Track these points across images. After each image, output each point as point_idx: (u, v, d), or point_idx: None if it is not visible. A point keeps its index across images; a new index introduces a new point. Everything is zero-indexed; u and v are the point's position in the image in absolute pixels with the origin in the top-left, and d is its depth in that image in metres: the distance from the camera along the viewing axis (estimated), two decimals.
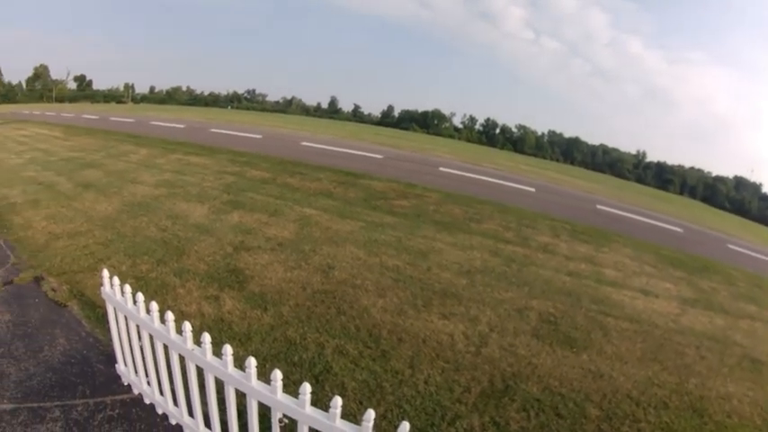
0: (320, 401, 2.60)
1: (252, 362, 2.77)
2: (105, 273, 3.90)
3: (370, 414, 2.31)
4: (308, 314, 5.80)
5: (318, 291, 6.53)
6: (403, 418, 3.92)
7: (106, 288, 3.87)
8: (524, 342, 5.70)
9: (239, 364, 2.94)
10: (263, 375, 2.83)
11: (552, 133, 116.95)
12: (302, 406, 2.55)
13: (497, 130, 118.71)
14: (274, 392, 2.67)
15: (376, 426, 2.34)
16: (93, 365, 4.55)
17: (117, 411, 3.91)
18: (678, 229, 19.52)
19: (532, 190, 20.77)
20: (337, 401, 2.42)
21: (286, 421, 2.77)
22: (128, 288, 3.62)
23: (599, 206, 20.51)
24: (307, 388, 2.52)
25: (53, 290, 6.14)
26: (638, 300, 7.90)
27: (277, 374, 2.64)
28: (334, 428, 2.44)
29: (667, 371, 5.59)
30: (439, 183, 17.39)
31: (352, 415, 3.76)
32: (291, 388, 2.77)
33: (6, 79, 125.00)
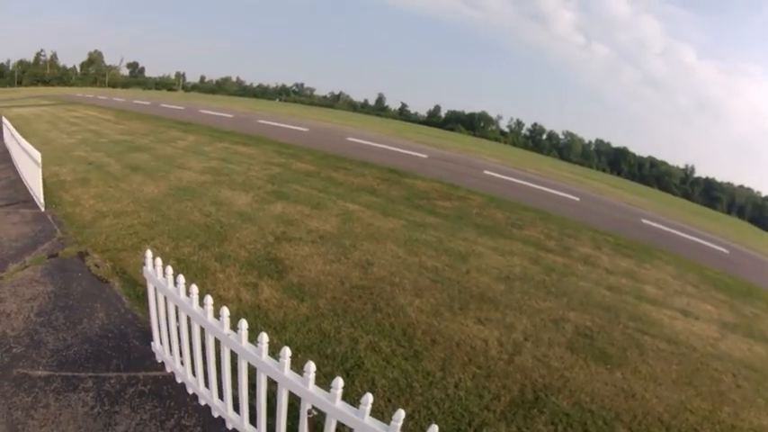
0: (349, 396, 2.60)
1: (287, 352, 2.79)
2: (149, 253, 4.02)
3: (400, 414, 2.30)
4: (344, 308, 5.84)
5: (356, 286, 6.57)
6: (430, 421, 3.90)
7: (148, 268, 3.99)
8: (558, 354, 5.57)
9: (273, 352, 2.99)
10: (295, 365, 2.86)
11: (600, 142, 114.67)
12: (333, 400, 2.56)
13: (544, 136, 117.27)
14: (306, 384, 2.69)
15: (403, 426, 2.33)
16: (129, 341, 4.72)
17: (149, 387, 4.04)
18: (724, 250, 18.69)
19: (577, 199, 20.41)
20: (368, 398, 2.41)
21: (315, 413, 2.79)
22: (169, 269, 3.72)
23: (644, 220, 19.89)
24: (339, 382, 2.53)
25: (96, 265, 6.42)
26: (677, 320, 7.61)
27: (311, 366, 2.66)
28: (363, 425, 2.44)
29: (701, 396, 5.36)
30: (482, 186, 17.28)
31: (379, 412, 3.76)
32: (322, 380, 2.79)
33: (61, 63, 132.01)
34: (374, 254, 7.88)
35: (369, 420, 2.43)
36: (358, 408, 2.46)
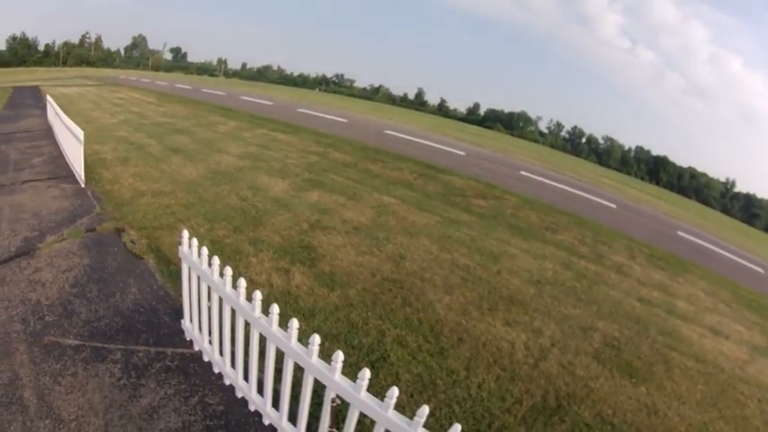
0: (372, 387, 2.58)
1: (316, 339, 2.79)
2: (185, 233, 4.09)
3: (424, 410, 2.28)
4: (373, 300, 5.85)
5: (387, 279, 6.56)
6: (451, 419, 3.89)
7: (184, 247, 4.05)
8: (584, 363, 5.45)
9: (300, 338, 3.00)
10: (321, 353, 2.86)
11: (639, 149, 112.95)
12: (358, 391, 2.55)
13: (583, 140, 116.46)
14: (333, 372, 2.69)
15: (424, 422, 2.30)
16: (159, 317, 4.82)
17: (175, 363, 4.12)
18: (760, 270, 17.91)
19: (613, 206, 20.02)
20: (394, 392, 2.39)
21: (339, 402, 2.79)
22: (204, 250, 3.78)
23: (680, 232, 19.28)
24: (366, 373, 2.53)
25: (132, 242, 6.60)
26: (706, 338, 7.35)
27: (339, 356, 2.65)
28: (386, 418, 2.43)
29: (724, 419, 5.16)
30: (518, 186, 17.16)
31: (401, 407, 3.72)
32: (346, 369, 2.78)
33: (106, 45, 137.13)
34: (407, 248, 7.86)
35: (392, 414, 2.42)
36: (382, 400, 2.45)
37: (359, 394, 2.55)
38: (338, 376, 2.69)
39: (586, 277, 8.48)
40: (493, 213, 11.74)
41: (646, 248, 12.45)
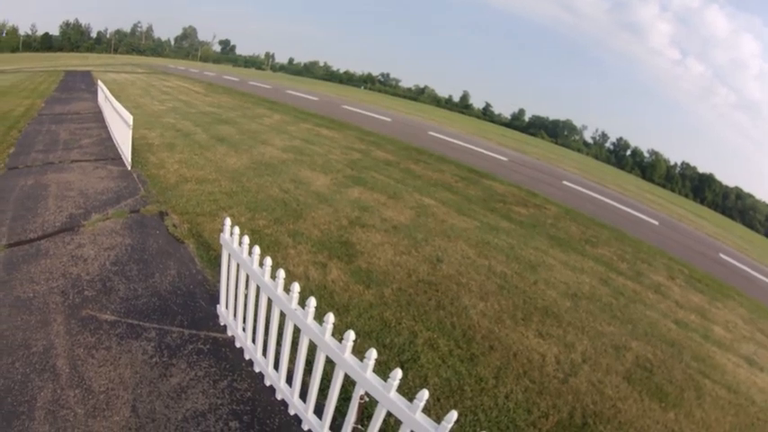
0: (399, 387, 2.55)
1: (350, 335, 2.78)
2: (227, 221, 4.14)
3: (452, 416, 2.23)
4: (408, 300, 5.82)
5: (423, 280, 6.52)
6: (476, 427, 3.82)
7: (225, 235, 4.11)
8: (614, 382, 5.27)
9: (334, 333, 3.00)
10: (353, 349, 2.84)
11: (685, 165, 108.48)
12: (388, 390, 2.53)
13: (628, 152, 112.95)
14: (365, 370, 2.67)
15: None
16: (196, 300, 4.91)
17: (207, 347, 4.18)
18: None
19: (655, 223, 19.43)
20: (424, 395, 2.36)
21: (367, 399, 2.77)
22: (246, 239, 3.82)
23: (722, 255, 18.49)
24: (398, 374, 2.50)
25: (174, 226, 6.76)
26: (741, 368, 7.00)
27: (372, 353, 2.64)
28: (414, 420, 2.39)
29: None
30: (560, 196, 16.97)
31: (426, 409, 3.69)
32: (375, 368, 2.75)
33: (156, 35, 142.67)
34: (445, 251, 7.81)
35: (420, 416, 2.39)
36: (411, 402, 2.43)
37: (388, 393, 2.53)
38: (369, 374, 2.67)
39: (624, 294, 8.26)
40: (533, 222, 11.56)
41: (686, 269, 12.04)
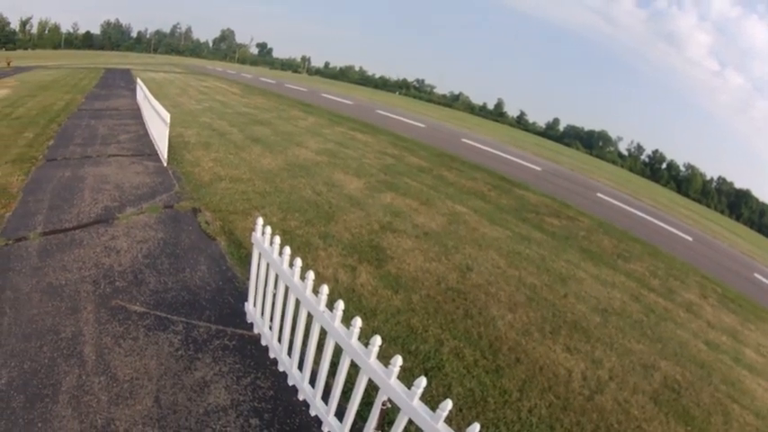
0: (422, 395, 2.52)
1: (377, 340, 2.76)
2: (260, 220, 4.17)
3: (475, 428, 2.21)
4: (435, 308, 5.77)
5: (452, 288, 6.47)
6: None
7: (257, 234, 4.14)
8: (640, 402, 5.12)
9: (360, 337, 2.98)
10: (378, 354, 2.83)
11: (722, 180, 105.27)
12: (411, 398, 2.49)
13: (663, 165, 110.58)
14: (389, 376, 2.64)
15: None
16: (224, 297, 4.96)
17: (233, 343, 4.21)
18: None
19: (689, 239, 19.09)
20: (447, 404, 2.31)
21: (389, 405, 2.74)
22: (277, 239, 3.85)
23: (756, 275, 17.87)
24: (422, 382, 2.46)
25: (206, 222, 6.87)
26: None
27: (398, 360, 2.60)
28: (436, 429, 2.35)
29: None
30: (593, 209, 16.84)
31: (448, 420, 3.64)
32: (399, 374, 2.73)
33: (195, 36, 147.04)
34: (475, 259, 7.74)
35: (442, 426, 2.34)
36: (434, 411, 2.39)
37: (412, 401, 2.49)
38: (394, 380, 2.64)
39: (654, 312, 8.06)
40: (565, 234, 11.41)
41: (719, 288, 11.71)
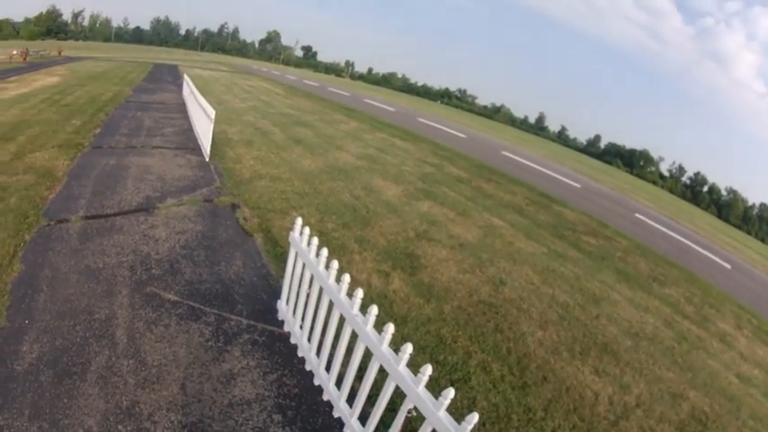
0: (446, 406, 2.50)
1: (408, 348, 2.75)
2: (299, 220, 4.21)
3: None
4: (466, 320, 5.72)
5: (483, 301, 6.40)
6: None
7: (295, 234, 4.18)
8: None
9: (390, 343, 2.98)
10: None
11: (764, 207, 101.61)
12: (438, 408, 2.47)
13: (705, 188, 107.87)
14: (417, 385, 2.63)
15: None
16: (257, 293, 5.01)
17: (263, 339, 4.25)
18: None
19: (728, 266, 18.43)
20: (473, 418, 2.28)
21: (414, 414, 2.72)
22: (315, 240, 3.88)
23: None
24: (450, 393, 2.44)
25: (245, 218, 6.98)
26: None
27: (427, 369, 2.59)
28: None
29: None
30: (631, 229, 16.49)
31: None
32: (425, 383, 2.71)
33: (242, 37, 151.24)
34: (509, 274, 7.65)
35: None
36: (460, 423, 2.35)
37: (438, 412, 2.47)
38: (421, 389, 2.62)
39: (687, 340, 7.82)
40: (601, 254, 11.20)
41: (755, 319, 11.27)
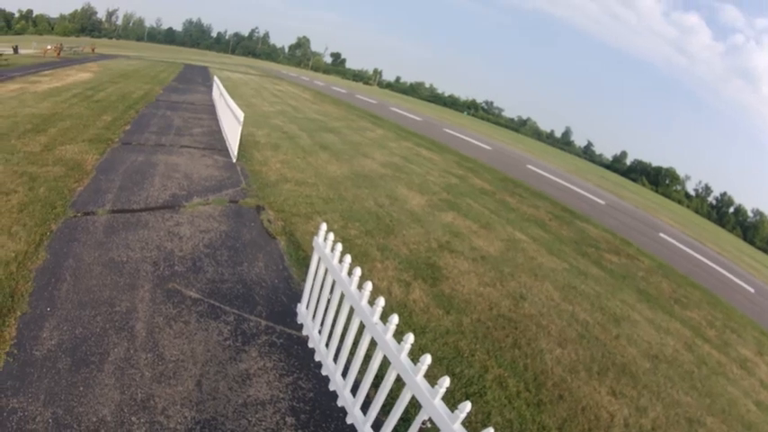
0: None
1: (427, 359, 2.73)
2: (323, 226, 4.24)
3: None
4: (485, 333, 5.67)
5: (503, 315, 6.35)
6: None
7: (319, 239, 4.20)
8: None
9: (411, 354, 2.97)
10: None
11: None
12: (454, 421, 2.45)
13: (731, 209, 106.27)
14: (434, 396, 2.61)
15: None
16: (278, 295, 5.03)
17: (281, 341, 4.26)
18: None
19: (751, 290, 18.04)
20: None
21: (429, 425, 2.71)
22: (339, 246, 3.89)
23: None
24: (467, 407, 2.42)
25: (269, 221, 7.04)
26: None
27: (445, 381, 2.57)
28: None
29: None
30: (655, 249, 16.26)
31: None
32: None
33: (272, 41, 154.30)
34: (530, 289, 7.58)
35: None
36: None
37: (453, 425, 2.45)
38: (438, 401, 2.60)
39: (707, 364, 7.64)
40: (623, 272, 11.04)
41: None
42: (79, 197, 6.43)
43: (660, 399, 5.84)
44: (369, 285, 3.37)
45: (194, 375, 3.54)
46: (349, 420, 3.54)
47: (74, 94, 15.30)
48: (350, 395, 3.59)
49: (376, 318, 3.22)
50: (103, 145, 9.15)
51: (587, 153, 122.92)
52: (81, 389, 3.19)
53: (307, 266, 4.45)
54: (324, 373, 3.96)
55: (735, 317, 11.72)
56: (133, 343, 3.72)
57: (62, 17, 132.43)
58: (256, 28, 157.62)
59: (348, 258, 3.68)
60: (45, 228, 5.34)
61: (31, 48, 42.10)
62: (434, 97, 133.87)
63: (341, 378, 3.72)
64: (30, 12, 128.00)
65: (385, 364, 3.11)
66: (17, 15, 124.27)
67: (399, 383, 2.92)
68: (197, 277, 4.95)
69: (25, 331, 3.60)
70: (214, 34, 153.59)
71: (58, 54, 37.80)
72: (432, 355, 4.68)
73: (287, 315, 4.68)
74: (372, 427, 3.32)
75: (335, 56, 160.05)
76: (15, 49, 34.01)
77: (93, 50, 50.16)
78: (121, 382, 3.33)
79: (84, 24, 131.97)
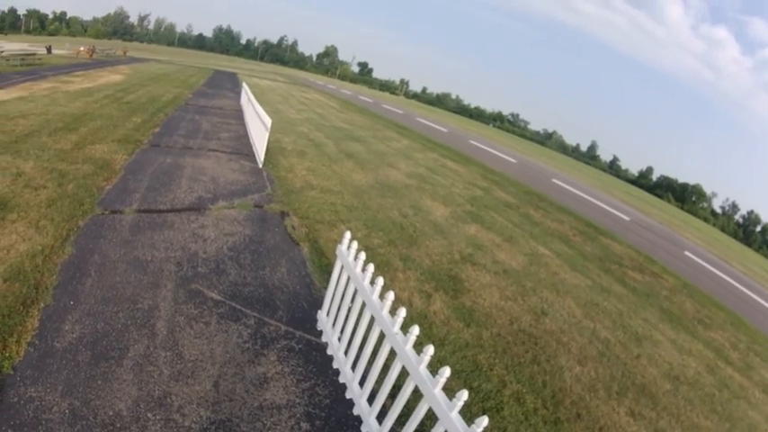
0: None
1: (446, 372, 2.71)
2: (347, 234, 4.25)
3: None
4: (504, 348, 5.61)
5: (523, 331, 6.28)
6: None
7: (343, 247, 4.22)
8: None
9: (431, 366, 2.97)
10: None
11: None
12: None
13: (758, 228, 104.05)
14: (452, 409, 2.60)
15: None
16: (299, 301, 5.05)
17: (300, 347, 4.27)
18: None
19: None
20: None
21: None
22: (362, 255, 3.90)
23: None
24: (484, 421, 2.40)
25: (293, 227, 7.09)
26: None
27: (463, 395, 2.55)
28: None
29: None
30: (680, 267, 15.99)
31: None
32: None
33: (300, 49, 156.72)
34: (551, 305, 7.49)
35: None
36: None
37: None
38: (455, 414, 2.58)
39: (729, 388, 7.45)
40: (647, 291, 10.85)
41: None
42: (107, 195, 6.58)
43: (679, 421, 5.72)
44: (391, 295, 3.36)
45: (212, 376, 3.57)
46: (364, 429, 3.52)
47: (105, 95, 15.72)
48: (366, 404, 3.58)
49: (396, 328, 3.22)
50: (132, 146, 9.35)
51: (613, 168, 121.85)
52: (99, 382, 3.25)
53: (329, 274, 4.46)
54: (341, 380, 3.95)
55: (759, 339, 11.45)
56: (153, 341, 3.77)
57: (95, 20, 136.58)
58: (285, 36, 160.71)
59: (371, 267, 3.68)
60: (72, 223, 5.48)
61: (63, 49, 43.34)
62: (460, 109, 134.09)
63: (358, 387, 3.71)
64: (63, 14, 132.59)
65: (403, 374, 3.09)
66: (51, 17, 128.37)
67: (416, 395, 2.90)
68: (219, 279, 5.01)
69: (48, 323, 3.69)
70: (243, 41, 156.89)
71: (91, 56, 38.83)
72: (450, 367, 4.66)
73: (307, 321, 4.69)
74: None
75: (363, 65, 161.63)
76: (49, 49, 34.83)
77: (124, 53, 51.32)
78: (139, 378, 3.37)
79: (117, 28, 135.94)
